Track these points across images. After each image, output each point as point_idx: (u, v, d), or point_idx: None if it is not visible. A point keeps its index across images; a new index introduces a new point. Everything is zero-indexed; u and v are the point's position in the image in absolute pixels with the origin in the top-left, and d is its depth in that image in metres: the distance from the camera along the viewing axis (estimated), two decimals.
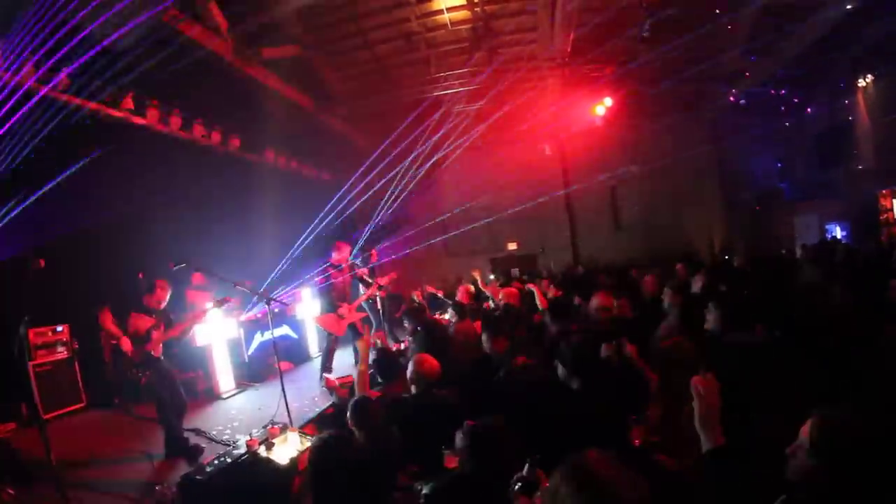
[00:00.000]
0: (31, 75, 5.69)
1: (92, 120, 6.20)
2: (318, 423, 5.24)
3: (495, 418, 2.43)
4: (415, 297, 8.68)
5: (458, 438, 2.35)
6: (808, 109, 12.97)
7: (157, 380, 4.79)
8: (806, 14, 8.66)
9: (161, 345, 4.87)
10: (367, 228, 9.46)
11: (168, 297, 4.99)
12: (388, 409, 3.33)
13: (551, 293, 6.84)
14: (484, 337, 4.20)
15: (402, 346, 6.81)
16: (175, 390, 4.90)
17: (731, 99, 12.03)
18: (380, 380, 4.40)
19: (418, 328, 4.92)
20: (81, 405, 6.00)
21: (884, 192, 11.46)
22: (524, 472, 1.91)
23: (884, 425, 1.51)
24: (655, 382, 3.03)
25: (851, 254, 8.13)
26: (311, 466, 2.20)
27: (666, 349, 2.96)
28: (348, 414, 3.08)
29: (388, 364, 4.19)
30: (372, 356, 5.44)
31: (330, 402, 5.70)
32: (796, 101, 12.62)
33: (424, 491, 2.21)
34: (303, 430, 4.71)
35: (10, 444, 4.54)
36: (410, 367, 3.53)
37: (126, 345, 4.62)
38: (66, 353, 5.99)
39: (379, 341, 6.73)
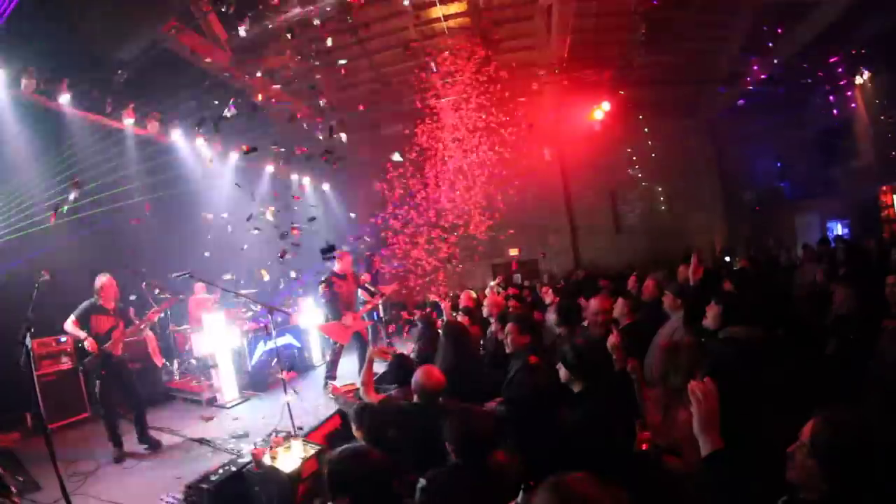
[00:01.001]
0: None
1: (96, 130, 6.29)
2: (326, 433, 5.25)
3: (474, 409, 2.48)
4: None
5: (444, 430, 2.45)
6: (807, 108, 12.97)
7: (112, 378, 5.05)
8: (802, 12, 8.71)
9: (121, 344, 5.14)
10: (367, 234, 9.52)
11: (115, 292, 5.20)
12: (390, 414, 3.35)
13: (549, 298, 6.82)
14: (508, 331, 4.25)
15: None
16: (131, 389, 5.19)
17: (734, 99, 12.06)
18: (389, 384, 4.39)
19: (448, 334, 4.88)
20: (85, 415, 6.01)
21: (884, 188, 11.45)
22: (518, 499, 1.90)
23: (885, 426, 1.51)
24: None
25: (853, 252, 8.11)
26: (332, 480, 2.14)
27: (666, 352, 2.95)
28: (351, 419, 3.10)
29: (405, 370, 4.18)
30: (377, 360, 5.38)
31: (335, 410, 5.69)
32: (795, 100, 12.63)
33: (420, 483, 2.24)
34: (307, 438, 4.73)
35: (15, 454, 4.56)
36: (416, 377, 3.54)
37: (91, 344, 4.88)
38: (69, 363, 6.02)
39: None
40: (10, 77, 5.77)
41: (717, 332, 3.49)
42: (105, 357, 4.98)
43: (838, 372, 3.25)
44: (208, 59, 7.17)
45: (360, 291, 7.48)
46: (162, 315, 6.46)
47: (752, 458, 1.85)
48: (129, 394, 5.20)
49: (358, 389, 5.66)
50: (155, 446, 5.08)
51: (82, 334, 4.91)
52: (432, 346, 4.69)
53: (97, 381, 5.03)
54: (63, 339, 6.00)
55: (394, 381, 4.25)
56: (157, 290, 6.57)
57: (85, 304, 5.07)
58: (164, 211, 7.86)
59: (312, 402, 6.23)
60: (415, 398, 3.51)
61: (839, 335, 3.84)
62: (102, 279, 5.13)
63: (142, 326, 5.60)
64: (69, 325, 4.98)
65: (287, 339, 7.96)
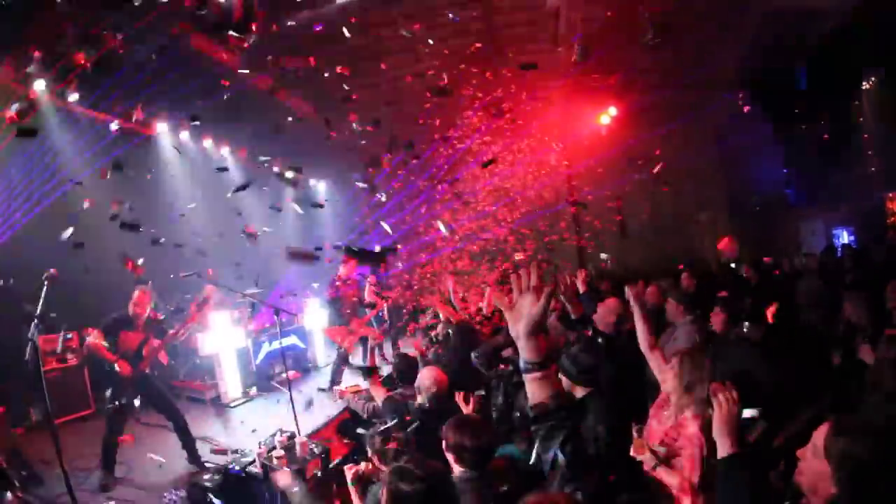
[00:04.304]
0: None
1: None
2: (338, 429, 5.28)
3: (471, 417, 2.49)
4: None
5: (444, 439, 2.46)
6: (813, 114, 12.96)
7: (154, 399, 4.81)
8: (809, 19, 8.70)
9: (151, 361, 4.77)
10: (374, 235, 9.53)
11: (150, 303, 4.84)
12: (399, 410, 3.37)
13: (552, 305, 6.79)
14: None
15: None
16: (170, 405, 4.89)
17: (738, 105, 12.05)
18: (398, 382, 4.39)
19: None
20: (90, 411, 6.04)
21: (890, 194, 11.40)
22: None
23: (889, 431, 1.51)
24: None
25: (860, 259, 8.07)
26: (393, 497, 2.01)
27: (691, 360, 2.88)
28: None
29: (407, 368, 4.19)
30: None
31: (342, 409, 5.70)
32: (800, 106, 12.62)
33: None
34: (311, 438, 4.74)
35: (19, 448, 4.58)
36: (420, 378, 3.55)
37: (124, 368, 4.51)
38: (75, 359, 6.04)
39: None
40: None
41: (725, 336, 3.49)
42: (142, 378, 4.67)
43: (846, 380, 3.23)
44: (219, 61, 7.19)
45: (367, 292, 7.51)
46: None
47: (766, 464, 1.86)
48: (172, 412, 4.88)
49: (362, 390, 5.68)
50: (203, 467, 4.66)
51: (109, 357, 4.52)
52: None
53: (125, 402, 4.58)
54: (69, 335, 6.02)
55: (400, 379, 4.26)
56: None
57: (112, 317, 4.71)
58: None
59: (316, 402, 6.24)
60: (418, 399, 3.51)
61: (848, 344, 3.82)
62: (136, 292, 4.76)
63: (181, 332, 5.08)
64: (95, 340, 4.59)
65: (292, 339, 7.98)
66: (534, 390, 1.43)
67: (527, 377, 1.43)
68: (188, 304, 5.68)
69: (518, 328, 1.43)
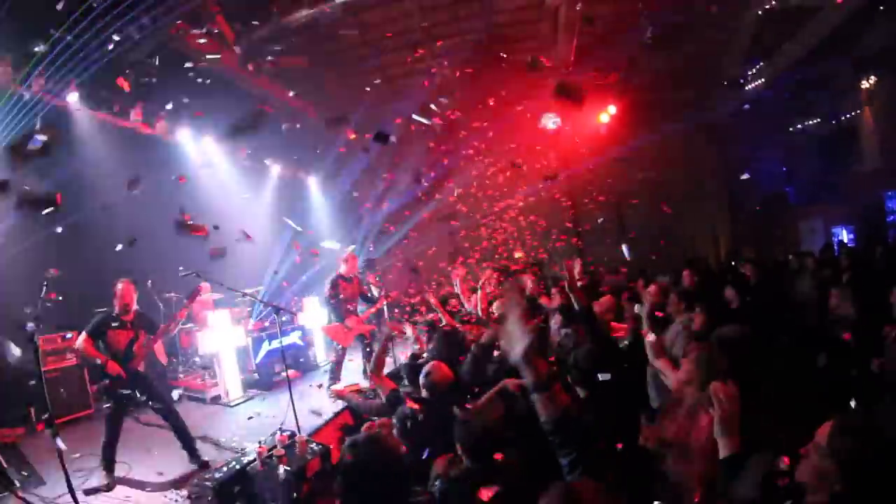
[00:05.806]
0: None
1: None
2: (338, 426, 5.29)
3: (481, 412, 2.49)
4: None
5: (455, 434, 2.43)
6: (812, 113, 12.95)
7: (149, 399, 4.67)
8: (808, 16, 8.70)
9: (144, 359, 4.65)
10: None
11: (135, 297, 4.67)
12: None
13: (555, 303, 6.80)
14: None
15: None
16: (166, 405, 4.81)
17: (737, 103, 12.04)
18: (406, 384, 4.38)
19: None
20: (90, 411, 6.02)
21: (889, 193, 11.40)
22: None
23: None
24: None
25: (856, 259, 8.05)
26: (344, 468, 2.08)
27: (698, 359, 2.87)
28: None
29: (416, 369, 4.17)
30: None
31: (343, 407, 5.71)
32: (800, 104, 12.61)
33: (435, 487, 2.23)
34: (311, 437, 4.74)
35: (20, 449, 4.57)
36: (425, 373, 3.53)
37: (114, 368, 4.41)
38: (74, 359, 6.02)
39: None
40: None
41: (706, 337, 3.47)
42: (135, 376, 4.56)
43: (842, 378, 3.23)
44: (216, 61, 7.18)
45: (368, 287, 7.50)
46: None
47: (767, 462, 1.85)
48: (168, 410, 4.77)
49: (359, 389, 5.67)
50: (203, 466, 4.62)
51: (99, 358, 4.43)
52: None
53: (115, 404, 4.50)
54: (68, 335, 6.02)
55: (408, 378, 4.24)
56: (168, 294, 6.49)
57: (98, 316, 4.55)
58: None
59: (317, 401, 6.25)
60: (423, 394, 3.50)
61: (833, 339, 3.81)
62: (119, 285, 4.59)
63: (171, 327, 4.99)
64: (82, 343, 4.49)
65: (292, 338, 7.98)
66: (542, 409, 1.54)
67: (534, 397, 1.50)
68: (182, 299, 5.67)
69: (515, 356, 1.53)
